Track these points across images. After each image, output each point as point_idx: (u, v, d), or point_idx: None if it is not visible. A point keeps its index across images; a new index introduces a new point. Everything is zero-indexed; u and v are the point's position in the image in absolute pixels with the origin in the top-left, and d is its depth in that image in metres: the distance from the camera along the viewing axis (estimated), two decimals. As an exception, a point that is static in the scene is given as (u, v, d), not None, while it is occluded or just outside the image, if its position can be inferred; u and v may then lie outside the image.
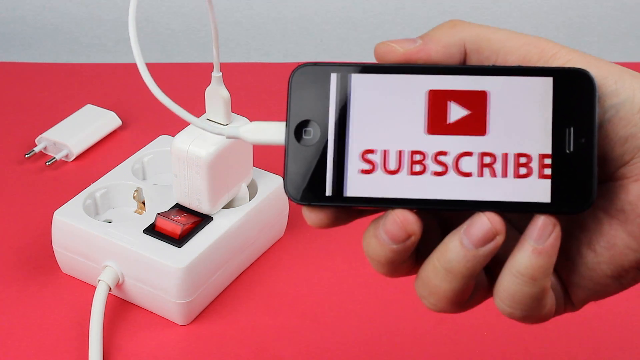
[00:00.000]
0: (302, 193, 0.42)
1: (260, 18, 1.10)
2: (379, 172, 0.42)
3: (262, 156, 0.74)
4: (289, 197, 0.42)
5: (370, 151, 0.42)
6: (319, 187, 0.42)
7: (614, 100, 0.41)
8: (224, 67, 0.67)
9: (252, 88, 0.91)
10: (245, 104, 0.87)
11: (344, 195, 0.42)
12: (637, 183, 0.41)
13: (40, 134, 0.83)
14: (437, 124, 0.42)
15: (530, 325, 0.44)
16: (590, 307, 0.46)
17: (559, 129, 0.41)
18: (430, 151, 0.42)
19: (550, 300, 0.43)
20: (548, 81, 0.42)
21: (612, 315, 0.68)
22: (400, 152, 0.42)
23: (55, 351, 0.65)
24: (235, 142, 0.68)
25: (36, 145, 0.83)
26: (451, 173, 0.42)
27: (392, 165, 0.42)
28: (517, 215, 0.44)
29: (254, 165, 0.72)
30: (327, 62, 0.43)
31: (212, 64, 0.66)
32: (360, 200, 0.42)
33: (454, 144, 0.42)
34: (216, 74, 0.66)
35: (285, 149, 0.43)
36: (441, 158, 0.42)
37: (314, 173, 0.42)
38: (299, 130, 0.43)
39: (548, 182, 0.41)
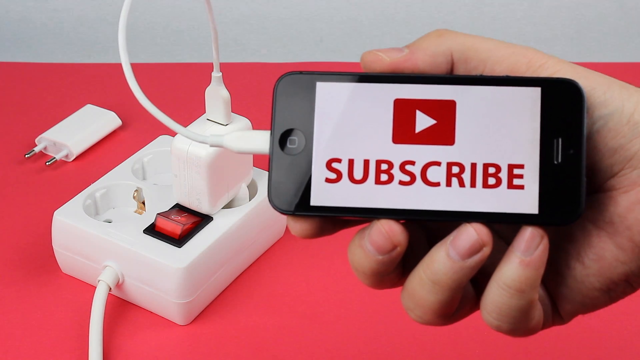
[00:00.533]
0: (286, 203, 0.42)
1: (260, 18, 1.10)
2: (369, 182, 0.41)
3: (262, 156, 0.74)
4: (273, 207, 0.42)
5: (338, 160, 0.42)
6: (303, 197, 0.41)
7: (603, 111, 0.41)
8: (224, 67, 0.67)
9: (252, 88, 0.91)
10: (245, 104, 0.87)
11: (328, 204, 0.41)
12: (626, 195, 0.41)
13: (40, 134, 0.83)
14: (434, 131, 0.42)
15: (518, 338, 0.43)
16: (579, 320, 0.45)
17: (547, 140, 0.41)
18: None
19: (538, 313, 0.42)
20: (536, 91, 0.41)
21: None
22: (389, 162, 0.42)
23: (55, 351, 0.65)
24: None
25: (36, 145, 0.83)
26: (442, 185, 0.41)
27: (382, 176, 0.41)
28: (504, 227, 0.43)
29: (254, 165, 0.72)
30: (311, 71, 0.43)
31: (212, 64, 0.66)
32: (345, 210, 0.41)
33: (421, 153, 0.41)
34: (216, 74, 0.66)
35: (270, 158, 0.42)
36: (434, 168, 0.41)
37: (298, 182, 0.42)
38: (283, 139, 0.42)
39: (536, 193, 0.40)
